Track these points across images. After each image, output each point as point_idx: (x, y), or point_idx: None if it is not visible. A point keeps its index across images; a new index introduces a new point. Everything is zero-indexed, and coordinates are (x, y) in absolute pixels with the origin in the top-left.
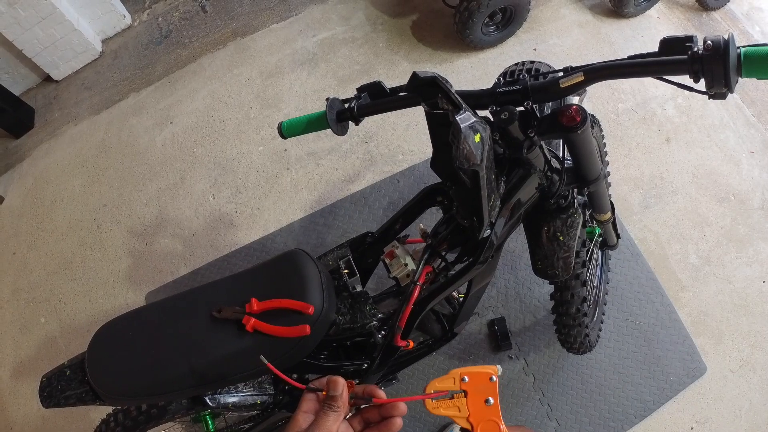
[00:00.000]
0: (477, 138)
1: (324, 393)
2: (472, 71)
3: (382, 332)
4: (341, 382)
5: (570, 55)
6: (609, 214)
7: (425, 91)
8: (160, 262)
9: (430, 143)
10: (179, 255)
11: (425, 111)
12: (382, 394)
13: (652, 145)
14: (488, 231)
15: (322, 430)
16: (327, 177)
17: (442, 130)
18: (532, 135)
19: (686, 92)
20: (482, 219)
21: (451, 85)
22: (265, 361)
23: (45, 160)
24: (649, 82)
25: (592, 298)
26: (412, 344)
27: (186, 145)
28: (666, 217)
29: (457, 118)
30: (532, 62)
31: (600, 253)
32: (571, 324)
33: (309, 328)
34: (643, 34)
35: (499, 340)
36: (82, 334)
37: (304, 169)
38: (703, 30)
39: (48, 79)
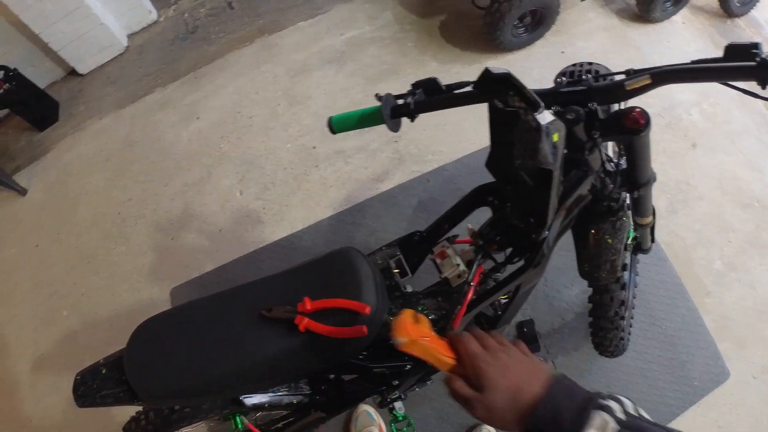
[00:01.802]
0: (555, 137)
1: None
2: None
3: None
4: None
5: (597, 58)
6: (650, 218)
7: (494, 88)
8: (186, 258)
9: (459, 143)
10: (205, 251)
11: (491, 108)
12: None
13: (678, 151)
14: (546, 232)
15: None
16: (356, 175)
17: (506, 129)
18: (595, 136)
19: (711, 98)
20: (544, 220)
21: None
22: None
23: (69, 154)
24: (675, 87)
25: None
26: None
27: (212, 140)
28: (692, 223)
29: (537, 116)
30: (590, 63)
31: (631, 257)
32: (609, 327)
33: (366, 328)
34: (668, 39)
35: (527, 341)
36: (104, 329)
37: (332, 167)
38: (727, 36)
39: (73, 72)
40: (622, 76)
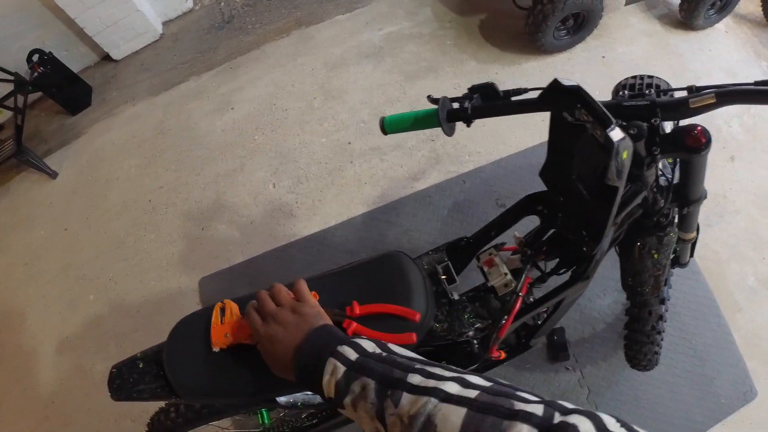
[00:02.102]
0: (624, 155)
1: None
2: (540, 75)
3: (475, 341)
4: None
5: (638, 64)
6: (694, 234)
7: (562, 99)
8: (216, 248)
9: (496, 145)
10: (236, 242)
11: (554, 119)
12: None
13: (716, 163)
14: (598, 246)
15: None
16: (391, 173)
17: (567, 141)
18: (655, 153)
19: (752, 110)
20: (599, 235)
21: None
22: None
23: (101, 139)
24: None
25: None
26: (504, 355)
27: (247, 131)
28: (727, 237)
29: (610, 133)
30: (650, 76)
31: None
32: (644, 341)
33: (415, 336)
34: (710, 48)
35: (556, 350)
36: (131, 315)
37: (367, 163)
38: None
39: (107, 58)
40: (684, 93)
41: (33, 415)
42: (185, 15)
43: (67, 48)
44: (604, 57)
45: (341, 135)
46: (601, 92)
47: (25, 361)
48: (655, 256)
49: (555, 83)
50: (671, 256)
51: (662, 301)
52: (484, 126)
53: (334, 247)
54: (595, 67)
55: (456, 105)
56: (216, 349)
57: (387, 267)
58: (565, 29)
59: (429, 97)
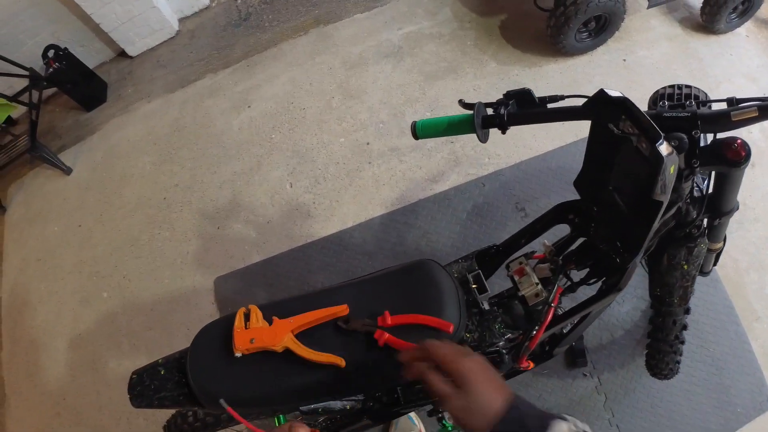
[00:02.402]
0: (672, 170)
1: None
2: (561, 77)
3: (505, 351)
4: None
5: (658, 68)
6: (721, 244)
7: (605, 110)
8: (232, 248)
9: (516, 148)
10: (252, 242)
11: (595, 128)
12: None
13: None
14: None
15: None
16: (410, 175)
17: (608, 151)
18: (695, 165)
19: None
20: (636, 247)
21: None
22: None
23: (116, 135)
24: None
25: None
26: (532, 365)
27: (264, 130)
28: (746, 245)
29: (659, 147)
30: (689, 87)
31: None
32: (667, 350)
33: None
34: (731, 52)
35: (574, 356)
36: (146, 313)
37: (386, 164)
38: None
39: (122, 54)
40: (724, 104)
41: (44, 412)
42: (202, 12)
43: (83, 44)
44: (625, 60)
45: (360, 135)
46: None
47: (37, 357)
48: (685, 267)
49: (601, 93)
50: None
51: (687, 311)
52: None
53: (352, 248)
54: (616, 70)
55: (491, 111)
56: (238, 354)
57: (419, 276)
58: (586, 31)
59: (461, 101)
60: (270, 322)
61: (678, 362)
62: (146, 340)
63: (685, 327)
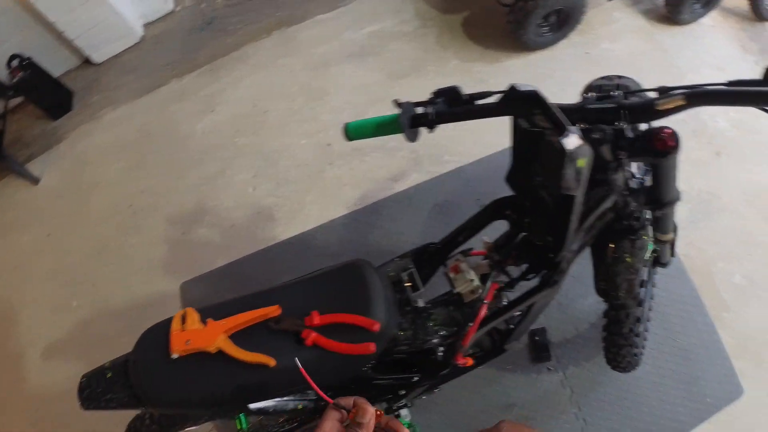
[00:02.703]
0: (581, 163)
1: (351, 415)
2: (523, 73)
3: (441, 349)
4: (370, 411)
5: (622, 60)
6: (672, 235)
7: (520, 105)
8: (197, 252)
9: (477, 145)
10: (217, 246)
11: (514, 125)
12: (404, 430)
13: (702, 159)
14: (563, 254)
15: None
16: (371, 174)
17: (529, 146)
18: (621, 157)
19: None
20: (563, 242)
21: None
22: (302, 370)
23: (83, 143)
24: None
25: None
26: (471, 362)
27: (228, 134)
28: (712, 234)
29: (564, 140)
30: (620, 77)
31: (648, 271)
32: (622, 343)
33: (374, 346)
34: (696, 43)
35: (538, 351)
36: (115, 320)
37: (348, 165)
38: (757, 41)
39: (88, 62)
40: (655, 94)
41: (19, 422)
42: (166, 17)
43: (48, 52)
44: (588, 53)
45: (322, 136)
46: None
47: (11, 367)
48: (628, 260)
49: (512, 89)
50: (648, 258)
51: (640, 304)
52: (464, 125)
53: (315, 249)
54: (579, 63)
55: (421, 110)
56: (175, 355)
57: (348, 276)
58: (547, 26)
59: (395, 101)
60: (206, 324)
61: (636, 354)
62: (119, 346)
63: (638, 319)
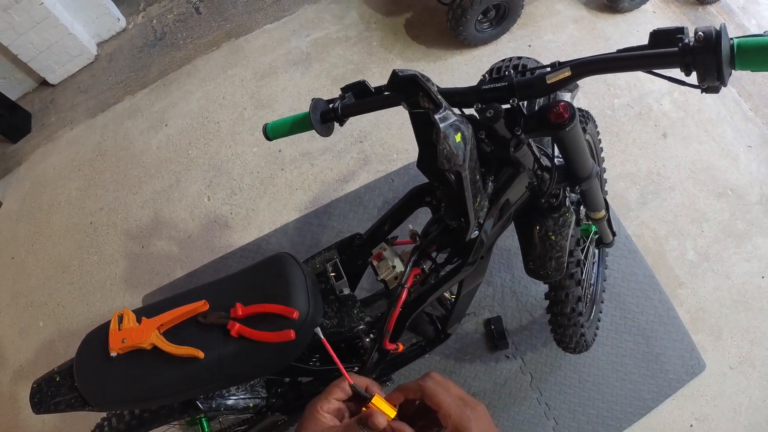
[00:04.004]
0: (458, 138)
1: (365, 410)
2: (467, 68)
3: (371, 335)
4: (384, 420)
5: (565, 51)
6: (603, 213)
7: (406, 89)
8: (156, 265)
9: None
10: (175, 257)
11: (407, 110)
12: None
13: (649, 141)
14: (476, 232)
15: None
16: (321, 177)
17: (426, 129)
18: (518, 133)
19: (683, 87)
20: (469, 220)
21: (432, 84)
22: (320, 335)
23: (42, 165)
24: (644, 77)
25: (589, 297)
26: (401, 347)
27: (181, 147)
28: (663, 213)
29: (437, 117)
30: (519, 58)
31: (596, 251)
32: (567, 324)
33: (294, 333)
34: (638, 29)
35: (495, 339)
36: (81, 337)
37: (298, 169)
38: (699, 24)
39: (44, 83)
40: (548, 70)
41: None
42: (119, 35)
43: (4, 76)
44: (530, 46)
45: (273, 144)
46: None
47: None
48: (553, 238)
49: (393, 74)
50: (592, 237)
51: (578, 283)
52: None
53: (270, 254)
54: (515, 56)
55: (331, 106)
56: (113, 354)
57: (270, 269)
58: (487, 21)
59: (313, 99)
60: (140, 323)
61: (584, 335)
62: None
63: (579, 299)
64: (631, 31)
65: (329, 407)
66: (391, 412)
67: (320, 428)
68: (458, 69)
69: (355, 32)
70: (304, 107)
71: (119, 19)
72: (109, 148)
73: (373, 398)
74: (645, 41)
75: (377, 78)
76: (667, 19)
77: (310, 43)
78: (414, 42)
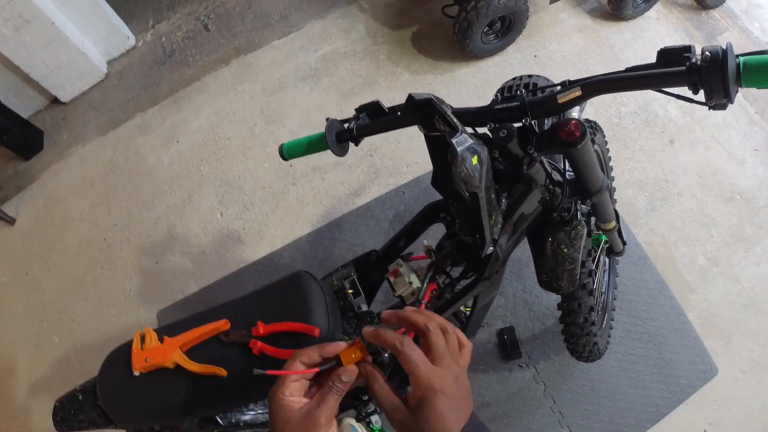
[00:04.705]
0: (474, 160)
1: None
2: (473, 80)
3: (385, 351)
4: (355, 371)
5: (570, 60)
6: (613, 223)
7: (422, 112)
8: (171, 280)
9: None
10: (189, 273)
11: (423, 132)
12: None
13: (656, 148)
14: (491, 248)
15: (328, 411)
16: (332, 191)
17: (441, 150)
18: (531, 151)
19: (686, 92)
20: (484, 236)
21: (447, 106)
22: (260, 371)
23: (54, 182)
24: None
25: (600, 306)
26: None
27: (192, 163)
28: (672, 220)
29: (454, 140)
30: (530, 76)
31: (607, 260)
32: (580, 333)
33: None
34: (642, 36)
35: (508, 349)
36: (95, 353)
37: (309, 184)
38: (702, 29)
39: (55, 101)
40: (558, 89)
41: None
42: (129, 52)
43: (16, 94)
44: (536, 56)
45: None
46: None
47: None
48: (566, 250)
49: (409, 98)
50: (602, 246)
51: (591, 293)
52: (420, 136)
53: (282, 269)
54: (528, 67)
55: (346, 126)
56: (136, 373)
57: (289, 287)
58: (493, 33)
59: (327, 119)
60: (162, 342)
61: (596, 344)
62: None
63: (592, 308)
64: (635, 38)
65: (290, 390)
66: (360, 355)
67: (293, 413)
68: (465, 81)
69: (362, 47)
70: (314, 122)
71: (129, 37)
72: (121, 164)
73: (341, 354)
74: (649, 48)
75: (385, 91)
76: (670, 25)
77: (318, 58)
78: (421, 55)
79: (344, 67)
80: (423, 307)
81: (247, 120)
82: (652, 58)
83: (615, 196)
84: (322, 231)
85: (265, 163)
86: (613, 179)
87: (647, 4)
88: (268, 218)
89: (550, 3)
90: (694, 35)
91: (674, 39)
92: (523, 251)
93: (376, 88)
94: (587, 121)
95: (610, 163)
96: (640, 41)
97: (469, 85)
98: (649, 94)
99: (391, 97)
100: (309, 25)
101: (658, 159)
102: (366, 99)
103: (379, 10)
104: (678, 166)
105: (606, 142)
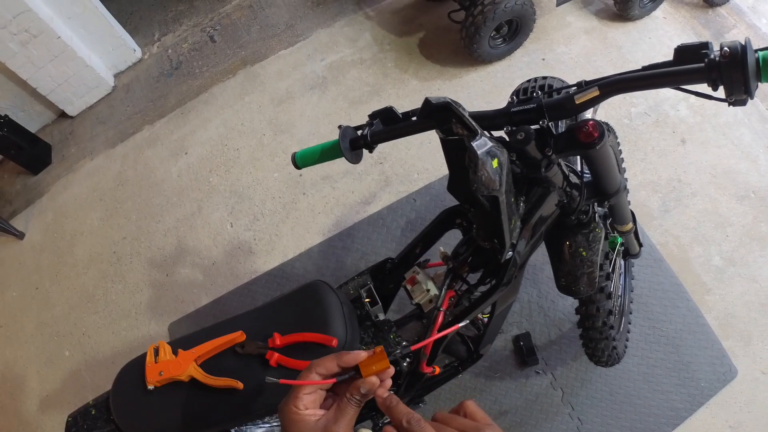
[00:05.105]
0: (495, 163)
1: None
2: (482, 85)
3: (407, 360)
4: (376, 382)
5: (578, 62)
6: (630, 225)
7: (439, 116)
8: (182, 292)
9: (444, 160)
10: (200, 285)
11: (440, 137)
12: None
13: (668, 148)
14: (510, 253)
15: (346, 424)
16: (343, 200)
17: (458, 155)
18: (549, 154)
19: None
20: (503, 242)
21: (464, 110)
22: (273, 380)
23: (63, 195)
24: None
25: (617, 309)
26: (438, 370)
27: (201, 174)
28: (686, 220)
29: (473, 144)
30: (544, 78)
31: (623, 262)
32: (598, 338)
33: None
34: (650, 36)
35: (525, 355)
36: (107, 366)
37: (320, 193)
38: (709, 27)
39: (63, 115)
40: (575, 90)
41: None
42: (135, 65)
43: (24, 109)
44: (544, 59)
45: (292, 168)
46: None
47: (8, 423)
48: (584, 253)
49: (426, 102)
50: (618, 248)
51: (609, 296)
52: (430, 142)
53: (294, 279)
54: (536, 70)
55: (360, 132)
56: (150, 387)
57: (306, 297)
58: (500, 37)
59: (340, 126)
60: (176, 355)
61: (616, 348)
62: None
63: (611, 312)
64: (643, 38)
65: (305, 403)
66: (381, 366)
67: (308, 427)
68: (474, 86)
69: (369, 54)
70: (323, 131)
71: (135, 50)
72: (130, 177)
73: (360, 364)
74: (657, 48)
75: (394, 99)
76: (677, 24)
77: (325, 66)
78: (428, 61)
79: (352, 76)
80: (442, 315)
81: (256, 130)
82: (660, 58)
83: (629, 198)
84: (333, 240)
85: (275, 173)
86: (626, 180)
87: (654, 3)
88: (278, 228)
89: (557, 5)
90: (702, 33)
91: (682, 38)
92: (537, 256)
93: (384, 95)
94: None
95: (623, 165)
96: (648, 41)
97: (479, 90)
98: (659, 94)
99: (400, 104)
100: (315, 34)
101: (670, 159)
102: (374, 107)
103: (385, 18)
104: (690, 166)
105: (618, 143)
